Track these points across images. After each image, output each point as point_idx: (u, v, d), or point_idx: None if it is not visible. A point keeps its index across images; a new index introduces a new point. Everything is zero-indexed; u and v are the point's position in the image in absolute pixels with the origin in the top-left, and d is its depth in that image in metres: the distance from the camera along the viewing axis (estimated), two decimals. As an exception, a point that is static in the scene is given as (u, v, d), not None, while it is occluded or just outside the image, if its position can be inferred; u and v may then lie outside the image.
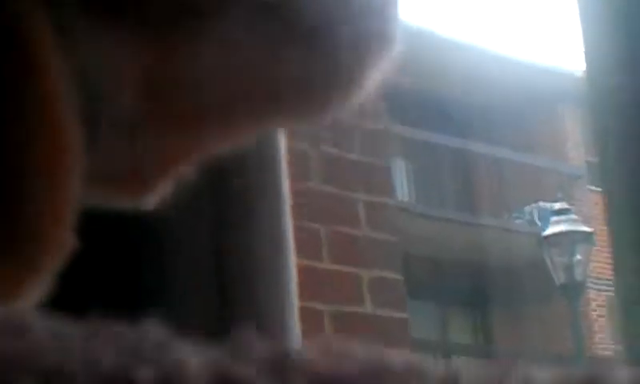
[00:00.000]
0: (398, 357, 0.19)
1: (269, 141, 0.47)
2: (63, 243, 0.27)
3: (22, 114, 0.27)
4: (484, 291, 7.71)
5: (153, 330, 0.18)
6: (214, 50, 0.29)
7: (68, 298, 0.27)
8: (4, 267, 0.27)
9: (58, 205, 0.28)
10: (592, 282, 7.66)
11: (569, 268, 7.28)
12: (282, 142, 0.49)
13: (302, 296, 0.52)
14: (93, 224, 0.28)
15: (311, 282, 2.27)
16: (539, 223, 7.81)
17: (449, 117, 7.65)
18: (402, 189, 7.34)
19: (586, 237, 7.38)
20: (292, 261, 0.50)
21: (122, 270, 0.42)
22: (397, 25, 0.32)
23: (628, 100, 0.93)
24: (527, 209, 7.82)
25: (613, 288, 1.06)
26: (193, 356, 0.18)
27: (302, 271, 0.51)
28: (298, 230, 0.54)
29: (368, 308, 2.48)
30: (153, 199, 0.33)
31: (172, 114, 0.31)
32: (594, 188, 7.58)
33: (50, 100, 0.27)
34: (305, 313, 0.62)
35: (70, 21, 0.28)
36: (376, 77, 0.31)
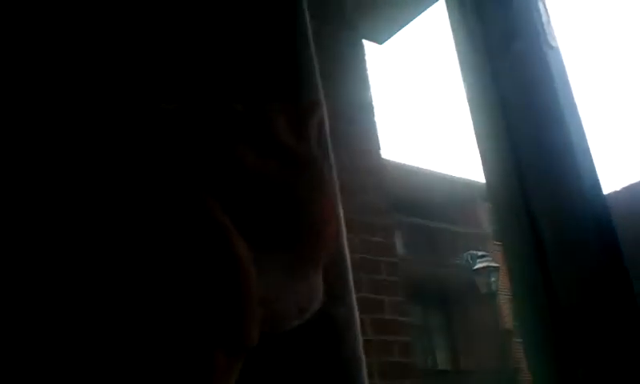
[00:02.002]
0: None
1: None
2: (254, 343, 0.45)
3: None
4: (446, 295, 13.75)
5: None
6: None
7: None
8: (235, 360, 0.44)
9: (255, 322, 0.45)
10: (500, 291, 13.01)
11: (487, 284, 12.52)
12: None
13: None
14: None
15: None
16: (471, 261, 13.07)
17: (422, 210, 13.74)
18: (402, 248, 13.16)
19: (496, 268, 12.51)
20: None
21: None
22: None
23: (515, 197, 1.20)
24: (464, 255, 13.50)
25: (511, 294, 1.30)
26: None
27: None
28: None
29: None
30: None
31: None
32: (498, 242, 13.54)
33: (249, 274, 0.44)
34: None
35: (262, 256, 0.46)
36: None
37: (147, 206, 0.44)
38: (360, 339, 0.86)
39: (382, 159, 3.95)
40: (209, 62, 0.84)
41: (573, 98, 1.19)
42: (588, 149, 1.15)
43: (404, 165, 13.30)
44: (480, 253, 13.08)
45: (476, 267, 12.85)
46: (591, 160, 1.15)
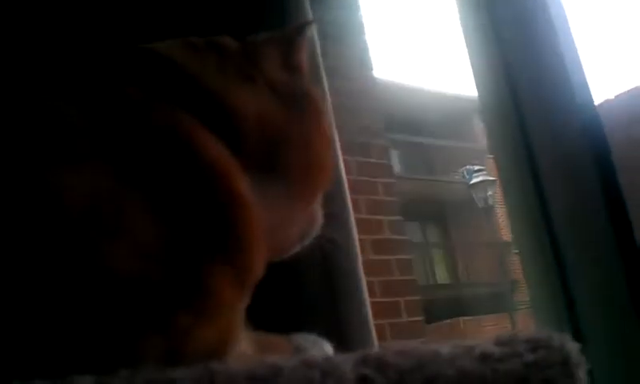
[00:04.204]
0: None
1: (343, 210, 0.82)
2: (260, 273, 0.47)
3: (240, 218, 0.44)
4: (444, 211, 13.95)
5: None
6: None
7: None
8: (241, 290, 0.44)
9: (260, 253, 0.46)
10: (497, 205, 13.25)
11: (484, 199, 12.69)
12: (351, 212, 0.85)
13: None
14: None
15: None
16: (467, 176, 13.32)
17: (418, 127, 13.77)
18: (399, 167, 13.27)
19: (492, 182, 12.47)
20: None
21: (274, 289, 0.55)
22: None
23: (507, 110, 1.23)
24: (461, 170, 13.76)
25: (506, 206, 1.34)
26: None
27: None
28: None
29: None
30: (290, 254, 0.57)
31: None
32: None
33: (248, 206, 0.45)
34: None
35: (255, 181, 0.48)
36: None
37: (142, 138, 0.44)
38: (359, 259, 0.89)
39: (375, 79, 3.94)
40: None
41: (562, 9, 1.19)
42: (578, 59, 1.15)
43: (397, 83, 13.20)
44: (476, 167, 13.10)
45: (473, 182, 12.92)
46: (581, 70, 1.16)
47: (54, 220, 0.37)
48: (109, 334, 0.36)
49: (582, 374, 0.44)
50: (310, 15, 1.04)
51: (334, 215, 0.74)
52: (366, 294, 0.90)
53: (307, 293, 0.79)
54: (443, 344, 0.41)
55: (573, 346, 0.44)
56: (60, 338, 0.35)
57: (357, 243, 0.93)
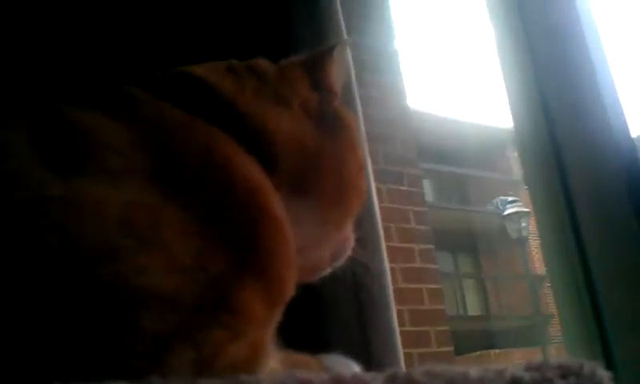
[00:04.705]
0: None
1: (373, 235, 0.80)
2: (291, 292, 0.47)
3: (269, 234, 0.44)
4: (476, 242, 13.77)
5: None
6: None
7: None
8: (272, 308, 0.44)
9: (291, 271, 0.45)
10: (531, 236, 12.96)
11: (518, 230, 12.39)
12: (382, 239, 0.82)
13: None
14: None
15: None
16: (501, 207, 13.32)
17: (451, 157, 13.70)
18: (432, 196, 13.20)
19: (526, 213, 12.29)
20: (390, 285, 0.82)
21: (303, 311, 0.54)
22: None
23: (542, 142, 1.23)
24: (494, 201, 13.58)
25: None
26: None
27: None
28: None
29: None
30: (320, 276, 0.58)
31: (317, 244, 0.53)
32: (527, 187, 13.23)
33: (281, 225, 0.45)
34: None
35: (288, 201, 0.49)
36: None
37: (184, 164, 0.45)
38: (390, 286, 0.89)
39: (409, 108, 3.95)
40: (228, 14, 0.86)
41: (600, 41, 1.18)
42: (615, 91, 1.15)
43: (431, 114, 13.19)
44: (510, 198, 12.91)
45: (506, 213, 12.73)
46: (619, 102, 1.15)
47: (89, 231, 0.37)
48: (140, 345, 0.36)
49: (614, 401, 0.43)
50: (345, 39, 1.04)
51: (366, 241, 0.74)
52: (395, 322, 0.89)
53: (337, 317, 0.79)
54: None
55: (604, 374, 0.43)
56: (94, 347, 0.35)
57: (388, 271, 0.92)
